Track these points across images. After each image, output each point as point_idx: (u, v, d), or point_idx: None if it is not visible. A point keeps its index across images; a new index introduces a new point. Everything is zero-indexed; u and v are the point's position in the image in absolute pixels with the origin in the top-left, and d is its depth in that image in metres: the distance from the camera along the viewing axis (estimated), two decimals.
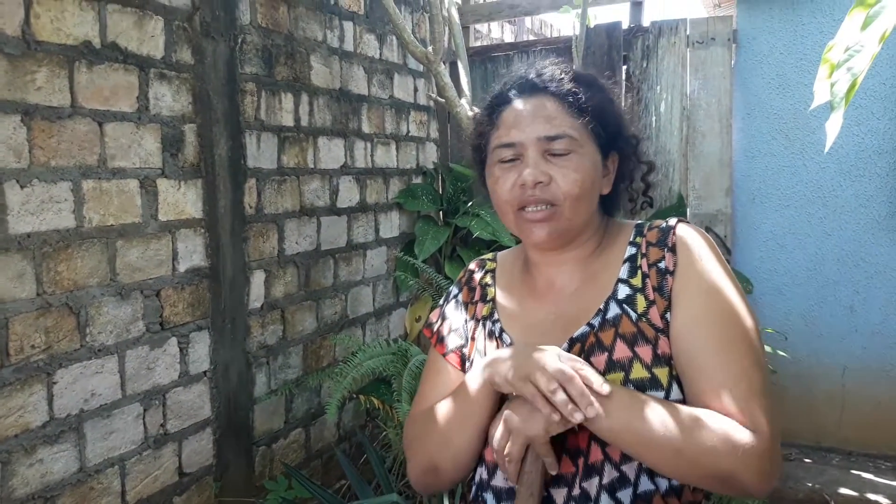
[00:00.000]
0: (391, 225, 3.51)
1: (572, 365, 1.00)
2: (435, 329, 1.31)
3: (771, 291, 3.48)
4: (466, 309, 1.27)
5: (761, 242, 3.49)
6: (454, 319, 1.28)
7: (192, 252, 2.36)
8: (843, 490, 3.01)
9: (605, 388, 0.98)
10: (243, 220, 2.57)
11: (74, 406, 1.99)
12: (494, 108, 1.18)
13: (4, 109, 1.79)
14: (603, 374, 1.03)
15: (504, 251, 1.35)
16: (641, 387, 1.02)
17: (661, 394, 1.01)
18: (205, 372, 2.42)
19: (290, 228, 2.82)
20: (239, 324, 2.56)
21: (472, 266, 1.35)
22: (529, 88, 1.15)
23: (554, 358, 1.01)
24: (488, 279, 1.29)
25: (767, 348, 2.81)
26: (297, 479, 2.15)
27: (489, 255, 1.35)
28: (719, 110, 3.41)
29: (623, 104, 3.45)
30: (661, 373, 1.03)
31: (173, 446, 2.31)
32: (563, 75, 1.15)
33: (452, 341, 1.26)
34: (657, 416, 0.97)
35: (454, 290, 1.33)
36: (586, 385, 0.99)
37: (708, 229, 3.46)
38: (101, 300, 2.05)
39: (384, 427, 2.70)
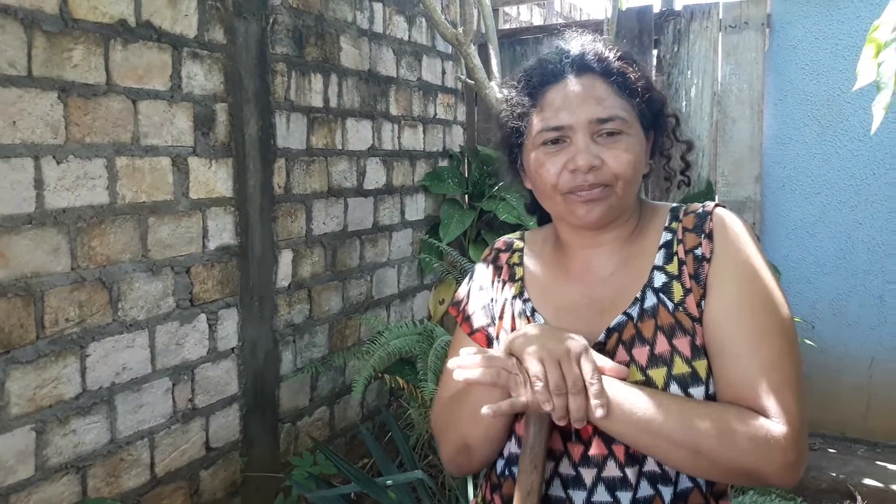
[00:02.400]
0: (417, 207, 3.52)
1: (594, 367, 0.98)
2: (461, 307, 1.28)
3: (799, 280, 3.45)
4: (492, 288, 1.24)
5: (790, 230, 3.45)
6: (480, 298, 1.25)
7: (222, 230, 2.38)
8: (867, 481, 2.99)
9: (598, 413, 0.96)
10: (272, 199, 2.59)
11: (106, 379, 2.03)
12: (535, 87, 1.11)
13: (42, 86, 1.82)
14: (645, 368, 1.02)
15: (531, 231, 1.31)
16: (683, 383, 1.00)
17: (702, 388, 0.99)
18: (233, 349, 2.45)
19: (318, 209, 2.84)
20: (267, 302, 2.59)
21: (497, 245, 1.31)
22: (577, 67, 1.09)
23: (586, 355, 0.99)
24: (516, 259, 1.25)
25: None
26: (324, 453, 2.17)
27: (516, 235, 1.31)
28: (751, 96, 3.36)
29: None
30: (701, 366, 1.01)
31: (201, 421, 2.35)
32: (608, 53, 1.10)
33: (478, 320, 1.23)
34: (673, 417, 0.96)
35: (480, 268, 1.30)
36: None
37: None
38: (133, 276, 2.09)
39: (407, 406, 2.73)
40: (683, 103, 3.47)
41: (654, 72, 3.50)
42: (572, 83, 1.08)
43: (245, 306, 2.49)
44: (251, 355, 2.53)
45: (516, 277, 1.22)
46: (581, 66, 1.09)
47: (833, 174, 3.34)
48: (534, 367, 0.97)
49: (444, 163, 3.72)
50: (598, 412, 0.95)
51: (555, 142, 1.08)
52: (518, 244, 1.28)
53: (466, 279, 1.32)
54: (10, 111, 1.75)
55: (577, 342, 1.00)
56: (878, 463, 3.15)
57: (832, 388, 3.41)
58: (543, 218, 1.27)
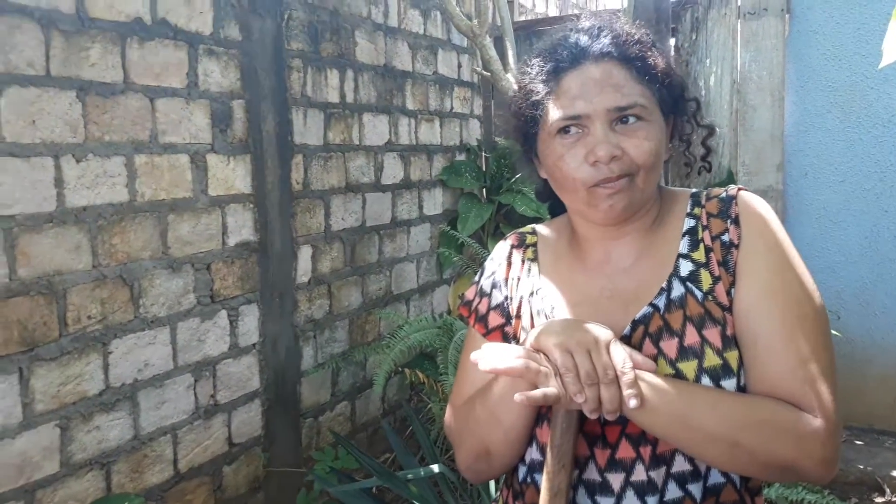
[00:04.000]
0: (435, 202, 3.51)
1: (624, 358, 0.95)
2: (473, 307, 1.22)
3: (823, 269, 3.40)
4: (507, 285, 1.19)
5: (814, 219, 3.40)
6: (494, 297, 1.19)
7: (241, 227, 2.39)
8: None
9: (632, 403, 0.92)
10: (291, 195, 2.60)
11: (129, 375, 2.04)
12: (550, 74, 1.05)
13: (61, 85, 1.83)
14: (674, 361, 0.98)
15: (543, 224, 1.25)
16: (715, 375, 0.96)
17: (733, 381, 0.96)
18: (254, 344, 2.47)
19: (336, 204, 2.84)
20: (287, 298, 2.60)
21: (509, 240, 1.24)
22: (593, 53, 1.03)
23: (615, 343, 0.96)
24: (530, 254, 1.20)
25: None
26: (346, 447, 2.18)
27: (528, 229, 1.26)
28: (771, 83, 3.32)
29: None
30: (732, 357, 0.97)
31: (223, 417, 2.36)
32: (626, 37, 1.05)
33: (493, 320, 1.18)
34: (710, 408, 0.93)
35: (491, 265, 1.24)
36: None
37: None
38: (154, 273, 2.10)
39: (428, 401, 2.72)
40: (702, 92, 3.43)
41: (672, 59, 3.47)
42: (589, 69, 1.03)
43: (265, 302, 2.50)
44: (272, 351, 2.54)
45: (531, 273, 1.18)
46: (598, 51, 1.04)
47: (857, 162, 3.28)
48: (563, 358, 0.94)
49: (461, 157, 3.71)
50: (633, 402, 0.91)
51: (571, 130, 1.02)
52: (531, 238, 1.23)
53: (477, 276, 1.26)
54: (29, 111, 1.77)
55: (604, 331, 0.97)
56: None
57: (859, 380, 3.37)
58: (555, 205, 1.22)
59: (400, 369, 2.59)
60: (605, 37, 1.05)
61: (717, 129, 3.41)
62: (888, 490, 2.86)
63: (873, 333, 3.33)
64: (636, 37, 1.06)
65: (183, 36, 2.16)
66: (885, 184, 3.23)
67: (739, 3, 3.33)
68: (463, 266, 3.23)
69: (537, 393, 0.93)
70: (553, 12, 5.40)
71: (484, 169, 3.70)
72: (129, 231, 2.02)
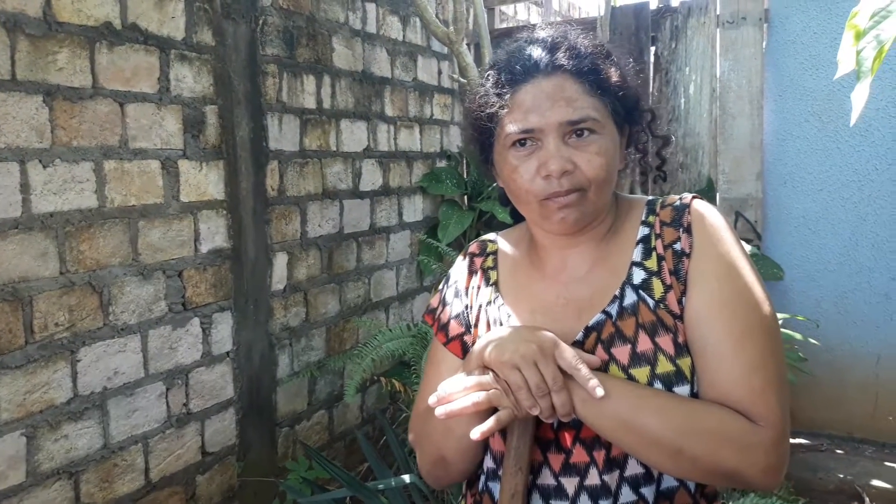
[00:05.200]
0: (415, 209, 3.50)
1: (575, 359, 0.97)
2: (436, 315, 1.24)
3: (803, 278, 3.40)
4: (467, 294, 1.20)
5: (793, 228, 3.41)
6: (454, 306, 1.21)
7: (214, 233, 2.37)
8: (876, 482, 2.94)
9: (598, 392, 0.94)
10: (265, 202, 2.58)
11: (98, 384, 2.02)
12: (505, 86, 1.06)
13: (27, 90, 1.81)
14: (627, 367, 0.99)
15: (505, 231, 1.27)
16: (668, 382, 0.97)
17: (687, 387, 0.97)
18: (227, 353, 2.44)
19: (313, 211, 2.83)
20: (261, 305, 2.58)
21: (472, 248, 1.26)
22: (546, 66, 1.04)
23: (559, 345, 0.98)
24: (490, 262, 1.21)
25: (798, 336, 2.75)
26: (315, 458, 2.16)
27: (490, 237, 1.27)
28: (750, 92, 3.33)
29: (650, 86, 3.39)
30: (685, 364, 0.98)
31: (196, 425, 2.33)
32: (580, 48, 1.06)
33: (453, 329, 1.19)
34: (657, 413, 0.94)
35: (454, 274, 1.26)
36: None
37: (738, 214, 3.40)
38: (124, 279, 2.08)
39: (406, 410, 2.70)
40: (682, 100, 3.44)
41: (651, 69, 3.48)
42: (542, 83, 1.03)
43: (239, 310, 2.48)
44: (246, 359, 2.51)
45: (490, 282, 1.19)
46: (551, 64, 1.04)
47: (835, 170, 3.30)
48: (512, 376, 0.96)
49: (441, 163, 3.71)
50: (598, 391, 0.93)
51: (524, 143, 1.04)
52: (492, 246, 1.25)
53: (442, 284, 1.28)
54: None
55: (546, 337, 0.98)
56: (887, 464, 3.10)
57: (838, 388, 3.37)
58: (516, 210, 1.21)
59: (376, 378, 2.57)
60: (558, 50, 1.06)
61: (697, 138, 3.42)
62: (867, 499, 2.86)
63: (852, 342, 3.34)
64: (590, 49, 1.07)
65: (154, 41, 2.14)
66: (863, 193, 3.25)
67: (718, 12, 3.35)
68: (443, 273, 3.22)
69: (491, 424, 0.96)
70: (535, 19, 5.42)
71: (465, 176, 3.70)
72: (98, 237, 2.00)
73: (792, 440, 3.27)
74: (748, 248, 3.06)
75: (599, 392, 0.94)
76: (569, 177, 1.01)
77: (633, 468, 1.00)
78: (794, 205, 3.39)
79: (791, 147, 3.37)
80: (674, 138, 3.42)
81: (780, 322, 2.80)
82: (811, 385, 3.31)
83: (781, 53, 3.33)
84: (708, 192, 3.35)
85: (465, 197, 3.69)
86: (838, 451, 3.25)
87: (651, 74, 3.48)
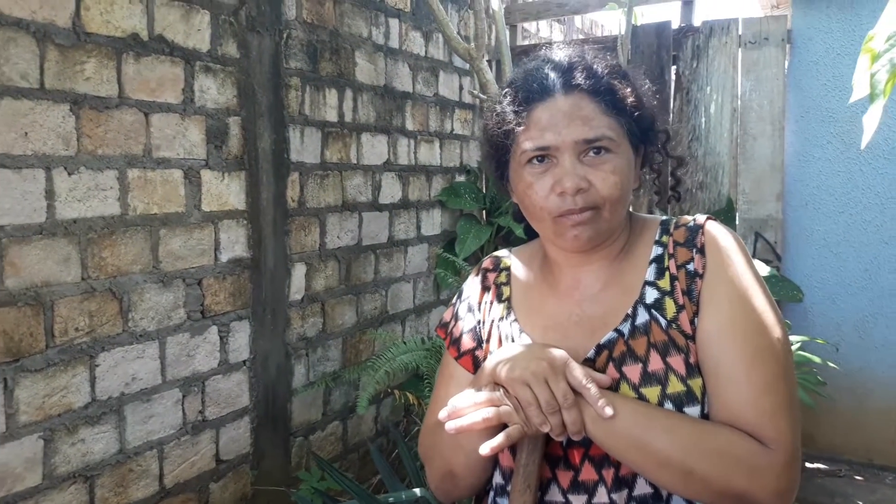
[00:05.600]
0: (433, 222, 3.52)
1: (582, 378, 0.97)
2: (449, 329, 1.25)
3: (823, 300, 3.37)
4: (480, 310, 1.21)
5: (814, 250, 3.38)
6: (467, 321, 1.22)
7: (235, 243, 2.40)
8: None
9: (607, 412, 0.94)
10: (285, 212, 2.61)
11: (115, 389, 2.04)
12: (522, 104, 1.07)
13: (55, 98, 1.85)
14: (638, 386, 0.99)
15: (518, 247, 1.26)
16: (678, 402, 0.97)
17: (697, 408, 0.97)
18: (244, 361, 2.46)
19: (332, 223, 2.85)
20: (279, 315, 2.60)
21: (486, 263, 1.27)
22: (563, 85, 1.05)
23: (570, 363, 0.98)
24: (503, 278, 1.22)
25: (817, 359, 2.72)
26: (325, 469, 2.16)
27: (503, 252, 1.28)
28: (772, 112, 3.32)
29: (671, 104, 3.39)
30: (696, 384, 0.98)
31: (211, 433, 2.35)
32: (596, 68, 1.07)
33: (465, 343, 1.20)
34: (667, 433, 0.94)
35: (467, 289, 1.27)
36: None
37: (758, 234, 3.37)
38: (144, 287, 2.10)
39: (419, 423, 2.70)
40: (703, 119, 3.43)
41: (672, 88, 3.47)
42: (559, 102, 1.04)
43: (257, 319, 2.50)
44: (263, 368, 2.53)
45: (503, 298, 1.19)
46: (568, 83, 1.06)
47: (857, 192, 3.27)
48: (523, 393, 0.96)
49: (461, 178, 3.72)
50: (607, 411, 0.94)
51: (540, 160, 1.05)
52: (506, 262, 1.25)
53: (455, 298, 1.29)
54: (21, 123, 1.78)
55: (557, 355, 0.99)
56: None
57: (858, 413, 3.33)
58: (530, 227, 1.23)
59: (390, 390, 2.58)
60: (575, 69, 1.07)
61: (717, 158, 3.41)
62: None
63: (873, 366, 3.30)
64: (606, 70, 1.08)
65: (180, 52, 2.18)
66: (886, 215, 3.22)
67: (740, 32, 3.34)
68: (459, 288, 3.22)
69: (501, 440, 0.95)
70: (558, 37, 5.44)
71: (484, 191, 3.71)
72: (119, 244, 2.03)
73: (810, 465, 3.25)
74: (767, 269, 3.04)
75: (608, 411, 0.94)
76: (583, 195, 1.02)
77: (641, 488, 1.00)
78: (815, 226, 3.37)
79: (813, 168, 3.35)
80: (690, 158, 3.41)
81: (799, 345, 2.77)
82: (831, 409, 3.27)
83: (804, 74, 3.31)
84: (728, 213, 3.33)
85: (484, 211, 3.70)
86: (857, 478, 3.20)
87: (672, 93, 3.48)
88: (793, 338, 2.79)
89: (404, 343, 2.40)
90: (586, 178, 1.02)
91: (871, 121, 0.83)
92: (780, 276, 3.25)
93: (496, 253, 1.30)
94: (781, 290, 3.13)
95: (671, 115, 3.46)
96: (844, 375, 3.24)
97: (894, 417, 3.28)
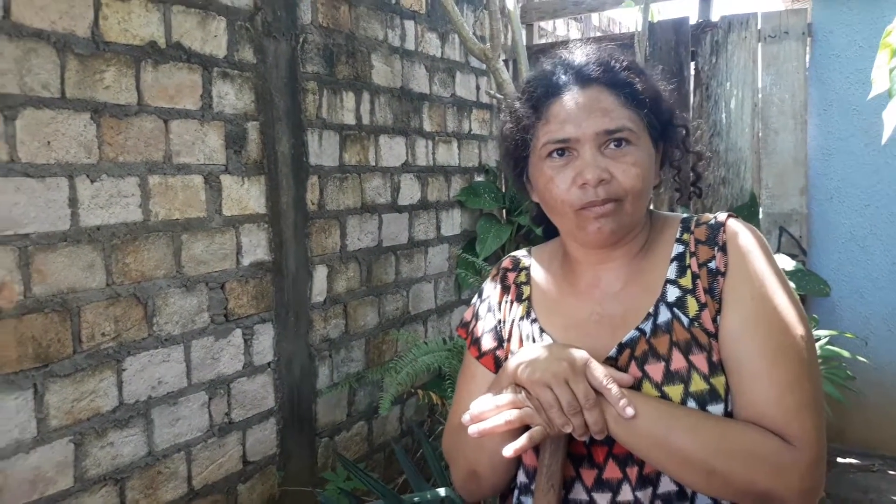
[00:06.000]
0: (453, 223, 3.52)
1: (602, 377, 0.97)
2: (469, 329, 1.24)
3: (850, 294, 3.33)
4: (500, 309, 1.21)
5: (840, 244, 3.34)
6: (487, 321, 1.22)
7: (256, 246, 2.42)
8: None
9: (628, 412, 0.94)
10: (306, 215, 2.63)
11: (143, 393, 2.07)
12: (541, 99, 1.08)
13: (76, 107, 1.88)
14: (660, 385, 0.99)
15: (538, 246, 1.27)
16: (702, 400, 0.97)
17: (721, 406, 0.97)
18: (268, 363, 2.48)
19: (352, 225, 2.87)
20: (302, 317, 2.62)
21: (505, 263, 1.27)
22: (581, 78, 1.06)
23: (591, 363, 0.98)
24: (523, 277, 1.22)
25: (846, 353, 2.69)
26: (349, 469, 2.17)
27: (523, 252, 1.28)
28: (793, 106, 3.28)
29: (691, 100, 3.36)
30: (719, 382, 0.98)
31: (237, 435, 2.37)
32: (614, 63, 1.08)
33: (486, 343, 1.20)
34: (690, 432, 0.93)
35: (487, 288, 1.26)
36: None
37: (782, 229, 3.34)
38: (168, 291, 2.13)
39: (443, 422, 2.71)
40: (723, 115, 3.40)
41: (692, 84, 3.45)
42: (578, 94, 1.05)
43: (280, 321, 2.52)
44: (287, 370, 2.55)
45: (523, 297, 1.19)
46: (586, 76, 1.06)
47: (883, 185, 3.23)
48: (544, 395, 0.97)
49: (480, 178, 3.72)
50: (628, 411, 0.94)
51: (561, 153, 1.05)
52: (525, 262, 1.25)
53: (475, 298, 1.29)
54: (44, 132, 1.82)
55: (578, 355, 0.99)
56: None
57: (889, 407, 3.28)
58: (549, 228, 1.24)
59: (413, 390, 2.59)
60: (593, 63, 1.08)
61: (739, 153, 3.38)
62: None
63: None
64: (624, 63, 1.08)
65: (197, 59, 2.21)
66: None
67: (760, 27, 3.32)
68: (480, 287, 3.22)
69: (524, 442, 0.96)
70: (575, 35, 5.42)
71: (503, 190, 3.71)
72: (142, 250, 2.06)
73: (842, 460, 3.20)
74: (793, 263, 3.00)
75: (629, 412, 0.94)
76: (605, 186, 1.01)
77: (665, 485, 1.00)
78: (840, 220, 3.33)
79: (837, 162, 3.30)
80: (712, 154, 3.39)
81: (827, 339, 2.74)
82: (862, 404, 3.23)
83: (826, 68, 3.27)
84: (751, 208, 3.30)
85: (504, 210, 3.70)
86: (891, 472, 3.16)
87: (692, 89, 3.46)
88: (820, 332, 2.76)
89: (426, 344, 2.41)
90: (608, 169, 1.02)
91: (892, 116, 0.82)
92: (807, 270, 3.22)
93: (515, 253, 1.30)
94: (808, 284, 3.10)
95: (691, 111, 3.44)
96: (874, 369, 3.19)
97: None
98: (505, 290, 1.23)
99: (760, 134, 3.36)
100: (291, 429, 2.57)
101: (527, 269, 1.23)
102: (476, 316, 1.25)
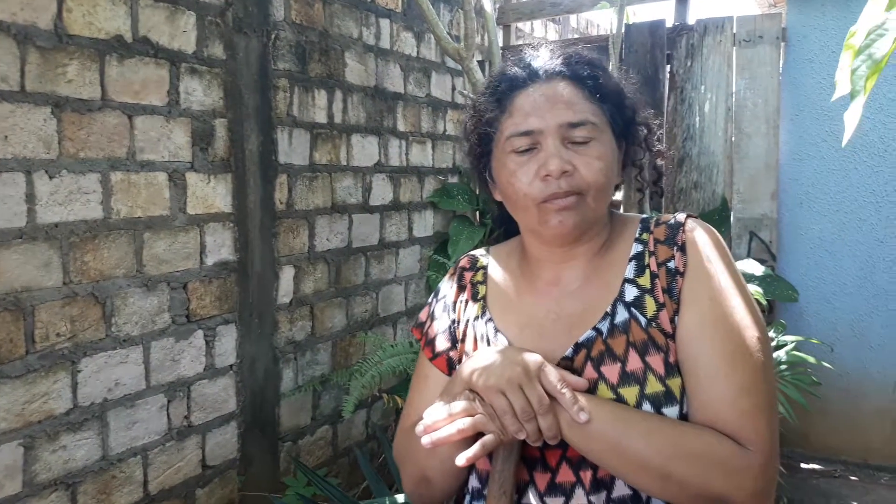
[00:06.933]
0: (425, 224, 3.49)
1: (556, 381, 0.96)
2: (424, 330, 1.22)
3: (818, 300, 3.35)
4: (455, 309, 1.19)
5: (809, 249, 3.36)
6: (442, 321, 1.20)
7: (221, 246, 2.37)
8: None
9: (582, 417, 0.93)
10: (273, 215, 2.58)
11: (98, 395, 2.01)
12: (504, 93, 1.07)
13: (35, 101, 1.82)
14: (616, 386, 0.98)
15: (497, 245, 1.25)
16: (657, 402, 0.96)
17: (676, 408, 0.96)
18: (231, 366, 2.43)
19: (322, 225, 2.82)
20: (266, 319, 2.57)
21: (462, 262, 1.25)
22: (545, 72, 1.06)
23: (545, 367, 0.97)
24: (479, 276, 1.20)
25: (812, 359, 2.70)
26: (306, 475, 2.14)
27: (481, 251, 1.26)
28: (766, 111, 3.29)
29: (665, 104, 3.36)
30: (674, 384, 0.97)
31: (197, 439, 2.32)
32: (578, 58, 1.08)
33: (440, 344, 1.18)
34: (644, 436, 0.92)
35: (444, 287, 1.24)
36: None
37: (753, 234, 3.35)
38: (128, 291, 2.08)
39: None
40: (697, 119, 3.40)
41: (666, 87, 3.45)
42: (542, 87, 1.05)
43: (244, 323, 2.47)
44: (250, 372, 2.50)
45: (479, 296, 1.17)
46: (550, 70, 1.07)
47: (852, 191, 3.25)
48: (498, 401, 0.95)
49: (453, 179, 3.69)
50: (582, 416, 0.93)
51: (525, 151, 1.04)
52: (483, 261, 1.23)
53: (431, 297, 1.27)
54: (1, 126, 1.75)
55: (531, 359, 0.97)
56: None
57: (853, 413, 3.31)
58: (511, 229, 1.22)
59: (379, 394, 2.55)
60: (557, 58, 1.08)
61: (712, 157, 3.39)
62: None
63: (868, 366, 3.28)
64: (588, 58, 1.08)
65: (165, 53, 2.15)
66: (881, 214, 3.20)
67: (735, 31, 3.32)
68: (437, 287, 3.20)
69: (477, 450, 0.95)
70: (552, 37, 5.41)
71: (477, 192, 3.68)
72: (102, 248, 2.00)
73: (805, 466, 3.23)
74: (762, 268, 3.01)
75: (583, 417, 0.93)
76: (568, 178, 1.01)
77: (620, 490, 0.99)
78: (810, 225, 3.35)
79: (807, 167, 3.32)
80: (684, 157, 3.39)
81: (793, 345, 2.75)
82: (826, 410, 3.26)
83: (799, 72, 3.29)
84: (722, 212, 3.31)
85: (477, 213, 3.67)
86: (853, 478, 3.19)
87: (666, 92, 3.46)
88: (787, 338, 2.77)
89: (392, 346, 2.38)
90: (571, 162, 1.01)
91: (852, 118, 0.81)
92: (775, 275, 3.23)
93: (473, 252, 1.28)
94: (776, 289, 3.11)
95: (665, 114, 3.44)
96: (839, 376, 3.22)
97: (889, 417, 3.26)
98: (461, 289, 1.21)
99: (733, 138, 3.37)
100: (253, 433, 2.53)
101: (484, 268, 1.21)
102: (431, 316, 1.23)
